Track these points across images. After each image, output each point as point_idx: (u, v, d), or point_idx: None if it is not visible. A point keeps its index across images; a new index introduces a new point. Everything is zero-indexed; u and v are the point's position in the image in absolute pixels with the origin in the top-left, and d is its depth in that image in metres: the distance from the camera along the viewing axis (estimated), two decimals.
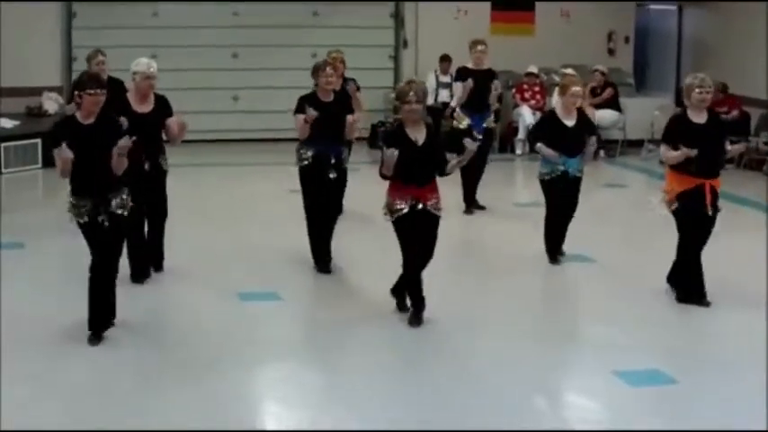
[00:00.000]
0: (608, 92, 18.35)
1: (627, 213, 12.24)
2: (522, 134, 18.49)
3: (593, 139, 10.71)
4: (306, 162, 10.34)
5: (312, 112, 10.00)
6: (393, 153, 8.31)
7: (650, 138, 17.77)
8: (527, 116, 18.43)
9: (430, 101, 18.72)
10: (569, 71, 18.43)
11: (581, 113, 10.88)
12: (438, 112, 18.74)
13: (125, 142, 7.98)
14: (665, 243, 11.16)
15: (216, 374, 7.58)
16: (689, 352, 8.37)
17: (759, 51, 17.60)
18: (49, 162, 16.11)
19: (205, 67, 18.66)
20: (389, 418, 6.84)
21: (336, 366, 7.87)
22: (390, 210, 8.61)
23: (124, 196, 8.21)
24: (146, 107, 9.69)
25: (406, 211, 8.53)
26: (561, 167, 10.57)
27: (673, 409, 7.14)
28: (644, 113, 18.25)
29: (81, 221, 8.11)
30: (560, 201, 10.69)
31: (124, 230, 8.43)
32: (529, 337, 8.65)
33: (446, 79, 18.55)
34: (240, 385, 7.48)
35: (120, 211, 8.16)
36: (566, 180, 10.64)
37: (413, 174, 8.51)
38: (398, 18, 19.75)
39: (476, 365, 7.95)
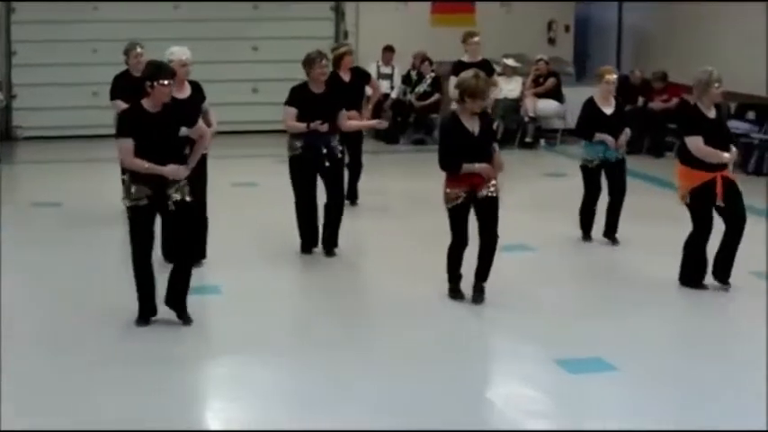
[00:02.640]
0: (550, 81, 18.42)
1: (567, 202, 12.27)
2: None
3: (628, 129, 11.23)
4: (296, 152, 10.48)
5: (320, 126, 10.27)
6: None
7: None
8: None
9: (369, 91, 18.77)
10: (510, 61, 18.63)
11: (618, 102, 11.30)
12: (378, 104, 18.78)
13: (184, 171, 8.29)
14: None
15: (165, 370, 7.57)
16: (630, 340, 8.44)
17: (700, 39, 17.75)
18: None
19: (147, 60, 18.50)
20: (346, 415, 6.85)
21: (291, 363, 7.83)
22: (448, 199, 8.95)
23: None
24: (183, 93, 9.80)
25: (463, 199, 8.89)
26: (601, 155, 11.13)
27: (613, 396, 7.26)
28: None
29: (140, 205, 8.22)
30: (599, 187, 11.28)
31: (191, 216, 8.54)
32: (471, 327, 8.74)
33: (387, 70, 18.62)
34: (188, 382, 7.48)
35: (187, 198, 8.33)
36: (608, 165, 11.13)
37: (470, 162, 8.83)
38: (339, 10, 19.76)
39: (419, 358, 7.97)
